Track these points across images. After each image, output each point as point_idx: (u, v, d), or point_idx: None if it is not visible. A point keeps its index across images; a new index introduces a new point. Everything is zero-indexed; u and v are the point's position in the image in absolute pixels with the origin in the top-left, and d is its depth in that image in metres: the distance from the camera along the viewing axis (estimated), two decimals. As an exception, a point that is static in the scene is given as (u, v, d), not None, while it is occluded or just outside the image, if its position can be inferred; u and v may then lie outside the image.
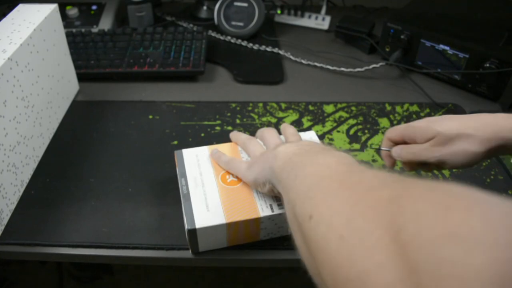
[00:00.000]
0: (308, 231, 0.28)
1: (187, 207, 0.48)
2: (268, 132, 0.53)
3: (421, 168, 0.50)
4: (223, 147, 0.55)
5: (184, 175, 0.51)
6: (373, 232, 0.23)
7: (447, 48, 0.76)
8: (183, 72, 0.78)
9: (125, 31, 0.86)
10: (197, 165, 0.53)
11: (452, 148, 0.45)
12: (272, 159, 0.42)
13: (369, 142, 0.66)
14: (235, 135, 0.56)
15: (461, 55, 0.74)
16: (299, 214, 0.30)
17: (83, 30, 0.86)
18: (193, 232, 0.46)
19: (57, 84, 0.66)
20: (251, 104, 0.73)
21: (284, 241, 0.50)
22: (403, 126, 0.50)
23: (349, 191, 0.28)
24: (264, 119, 0.69)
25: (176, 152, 0.55)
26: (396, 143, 0.50)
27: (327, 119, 0.70)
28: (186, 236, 0.47)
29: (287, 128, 0.54)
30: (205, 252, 0.49)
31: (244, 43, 0.90)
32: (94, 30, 0.88)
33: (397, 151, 0.49)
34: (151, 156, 0.62)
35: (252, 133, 0.66)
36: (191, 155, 0.54)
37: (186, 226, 0.46)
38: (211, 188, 0.49)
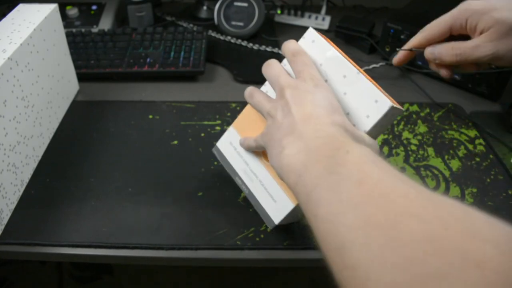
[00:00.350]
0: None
1: (258, 207, 0.48)
2: (270, 68, 0.45)
3: (463, 69, 0.42)
4: (244, 116, 0.51)
5: (235, 173, 0.51)
6: None
7: (447, 48, 0.76)
8: (183, 72, 0.78)
9: (125, 31, 0.86)
10: (238, 155, 0.50)
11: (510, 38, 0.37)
12: (278, 163, 0.36)
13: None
14: (246, 97, 0.48)
15: (461, 55, 0.74)
16: (339, 281, 0.26)
17: (83, 30, 0.86)
18: (275, 227, 0.47)
19: (57, 84, 0.66)
20: (251, 104, 0.73)
21: (284, 241, 0.50)
22: (448, 17, 0.41)
23: (401, 272, 0.22)
24: (264, 119, 0.69)
25: (214, 151, 0.54)
26: (431, 42, 0.42)
27: (327, 119, 0.70)
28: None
29: (287, 45, 0.45)
30: (204, 252, 0.49)
31: (244, 43, 0.90)
32: (94, 30, 0.88)
33: (435, 49, 0.41)
34: (151, 156, 0.62)
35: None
36: (227, 146, 0.52)
37: (268, 225, 0.48)
38: (263, 175, 0.48)
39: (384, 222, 0.24)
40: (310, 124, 0.36)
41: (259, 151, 0.48)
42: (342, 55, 0.44)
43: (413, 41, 0.43)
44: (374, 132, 0.41)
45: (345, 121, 0.38)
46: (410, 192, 0.26)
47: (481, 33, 0.39)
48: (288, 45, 0.45)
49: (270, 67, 0.45)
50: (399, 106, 0.41)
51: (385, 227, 0.24)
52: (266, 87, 0.49)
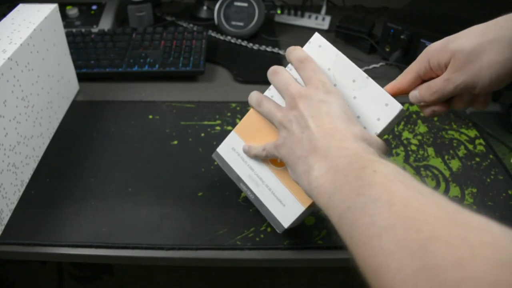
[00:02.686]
0: None
1: (265, 211, 0.48)
2: (276, 75, 0.45)
3: (452, 106, 0.43)
4: (248, 121, 0.49)
5: (239, 179, 0.50)
6: None
7: (447, 48, 0.76)
8: (183, 72, 0.78)
9: (125, 31, 0.86)
10: (242, 160, 0.49)
11: (476, 66, 0.38)
12: (307, 183, 0.37)
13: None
14: (251, 102, 0.48)
15: (461, 55, 0.74)
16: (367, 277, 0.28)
17: (83, 30, 0.86)
18: (285, 230, 0.47)
19: (57, 84, 0.66)
20: (251, 104, 0.73)
21: (284, 241, 0.50)
22: (414, 64, 0.42)
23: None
24: (264, 119, 0.69)
25: (214, 156, 0.53)
26: (405, 91, 0.44)
27: (327, 119, 0.70)
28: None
29: (293, 52, 0.44)
30: (204, 252, 0.49)
31: (244, 43, 0.90)
32: (94, 30, 0.88)
33: (415, 94, 0.43)
34: (151, 156, 0.62)
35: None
36: (229, 152, 0.51)
37: (277, 229, 0.47)
38: (270, 180, 0.47)
39: (414, 247, 0.25)
40: (332, 140, 0.37)
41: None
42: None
43: (388, 90, 0.44)
44: (382, 134, 0.42)
45: (363, 132, 0.39)
46: (438, 213, 0.27)
47: (445, 67, 0.41)
48: (294, 53, 0.45)
49: (278, 75, 0.45)
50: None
51: (416, 252, 0.25)
52: (271, 92, 0.48)
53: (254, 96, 0.47)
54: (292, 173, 0.41)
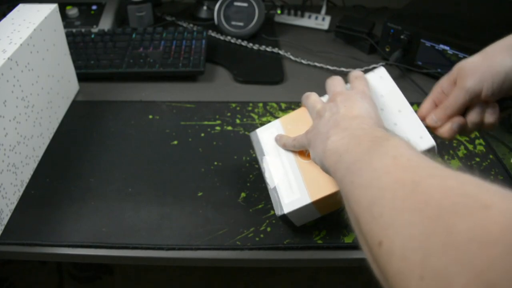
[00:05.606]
0: (380, 258, 0.26)
1: (273, 192, 0.49)
2: (332, 80, 0.51)
3: (467, 118, 0.47)
4: (295, 115, 0.54)
5: (264, 159, 0.52)
6: (456, 278, 0.20)
7: (447, 48, 0.76)
8: (183, 72, 0.78)
9: (125, 31, 0.86)
10: (274, 145, 0.53)
11: (480, 71, 0.43)
12: (322, 149, 0.40)
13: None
14: (303, 98, 0.53)
15: (461, 55, 0.74)
16: (365, 234, 0.29)
17: (83, 30, 0.86)
18: (283, 216, 0.47)
19: (57, 84, 0.66)
20: (251, 104, 0.73)
21: (284, 241, 0.50)
22: (429, 95, 0.48)
23: (417, 214, 0.25)
24: (264, 119, 0.69)
25: (251, 135, 0.56)
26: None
27: (327, 119, 0.70)
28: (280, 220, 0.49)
29: (353, 72, 0.51)
30: (204, 252, 0.49)
31: (244, 43, 0.90)
32: (94, 30, 0.88)
33: (432, 117, 0.47)
34: (151, 156, 0.62)
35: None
36: (266, 135, 0.54)
37: (276, 212, 0.48)
38: (291, 167, 0.49)
39: (409, 181, 0.28)
40: (355, 121, 0.41)
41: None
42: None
43: (423, 107, 0.49)
44: None
45: (385, 126, 0.42)
46: (437, 165, 0.29)
47: (455, 84, 0.46)
48: (354, 72, 0.51)
49: (332, 80, 0.51)
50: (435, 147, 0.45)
51: (409, 184, 0.27)
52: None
53: (307, 93, 0.52)
54: (312, 149, 0.44)
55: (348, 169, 0.35)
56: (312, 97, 0.50)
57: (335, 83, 0.50)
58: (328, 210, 0.49)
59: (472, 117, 0.47)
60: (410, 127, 0.46)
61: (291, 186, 0.48)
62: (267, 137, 0.54)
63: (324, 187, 0.46)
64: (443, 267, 0.21)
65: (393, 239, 0.25)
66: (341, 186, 0.35)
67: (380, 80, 0.51)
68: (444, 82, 0.48)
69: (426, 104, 0.49)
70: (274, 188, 0.49)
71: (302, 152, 0.50)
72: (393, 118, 0.47)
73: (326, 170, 0.41)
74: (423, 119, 0.48)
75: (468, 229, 0.22)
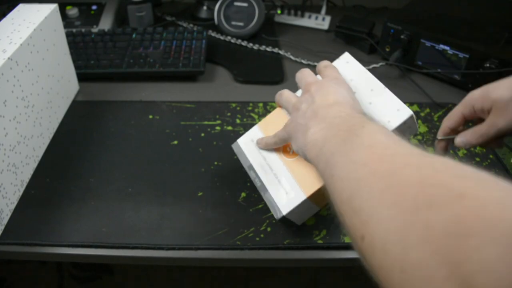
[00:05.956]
0: (364, 252, 0.27)
1: (267, 197, 0.49)
2: (301, 73, 0.51)
3: (489, 145, 0.49)
4: (271, 117, 0.55)
5: (250, 167, 0.52)
6: (436, 270, 0.21)
7: (447, 48, 0.76)
8: (183, 72, 0.78)
9: (125, 31, 0.86)
10: (257, 151, 0.53)
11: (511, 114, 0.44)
12: (303, 142, 0.41)
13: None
14: (276, 97, 0.53)
15: (461, 55, 0.74)
16: (349, 228, 0.29)
17: (83, 30, 0.86)
18: (283, 218, 0.48)
19: (57, 84, 0.66)
20: (251, 104, 0.73)
21: (284, 241, 0.50)
22: (459, 107, 0.49)
23: (395, 208, 0.25)
24: (264, 119, 0.69)
25: (233, 146, 0.56)
26: (454, 129, 0.50)
27: (327, 119, 0.70)
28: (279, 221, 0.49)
29: (321, 62, 0.52)
30: (204, 252, 0.49)
31: (244, 43, 0.90)
32: (94, 30, 0.88)
33: (463, 138, 0.49)
34: (151, 156, 0.62)
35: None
36: (248, 143, 0.54)
37: (275, 216, 0.48)
38: (279, 169, 0.50)
39: (386, 172, 0.28)
40: (332, 109, 0.41)
41: (279, 149, 0.51)
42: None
43: (441, 131, 0.52)
44: None
45: (363, 109, 0.43)
46: (413, 151, 0.30)
47: (488, 113, 0.47)
48: (322, 62, 0.51)
49: (301, 72, 0.51)
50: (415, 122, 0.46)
51: (386, 176, 0.28)
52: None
53: (279, 91, 0.52)
54: (294, 142, 0.45)
55: (327, 162, 0.35)
56: (285, 94, 0.51)
57: (305, 74, 0.50)
58: (325, 201, 0.49)
59: (495, 144, 0.50)
60: (386, 103, 0.47)
61: (283, 187, 0.48)
62: (249, 144, 0.54)
63: (315, 181, 0.46)
64: (423, 260, 0.22)
65: (373, 233, 0.26)
66: (323, 179, 0.36)
67: (347, 65, 0.52)
68: (477, 101, 0.48)
69: (456, 116, 0.50)
70: (268, 193, 0.49)
71: (286, 150, 0.51)
72: (367, 98, 0.48)
73: (309, 161, 0.41)
74: (449, 130, 0.50)
75: (444, 221, 0.22)
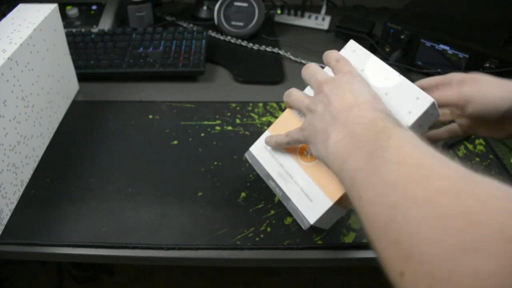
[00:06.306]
0: None
1: (291, 207, 0.47)
2: (308, 69, 0.46)
3: (459, 122, 0.49)
4: (282, 120, 0.51)
5: (268, 176, 0.50)
6: None
7: (447, 48, 0.76)
8: (183, 72, 0.78)
9: (125, 31, 0.86)
10: (273, 158, 0.50)
11: (477, 85, 0.44)
12: (324, 151, 0.38)
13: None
14: (284, 97, 0.49)
15: (461, 55, 0.74)
16: (384, 260, 0.26)
17: (83, 30, 0.86)
18: (311, 227, 0.45)
19: (57, 84, 0.66)
20: (251, 104, 0.73)
21: (284, 241, 0.50)
22: (440, 77, 0.49)
23: (438, 245, 0.22)
24: (264, 119, 0.69)
25: (246, 155, 0.53)
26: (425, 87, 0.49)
27: (327, 119, 0.70)
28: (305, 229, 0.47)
29: (330, 54, 0.47)
30: (204, 252, 0.49)
31: (244, 43, 0.90)
32: (94, 30, 0.88)
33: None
34: (151, 156, 0.62)
35: (253, 133, 0.66)
36: (261, 150, 0.51)
37: (302, 226, 0.46)
38: (299, 175, 0.47)
39: (422, 199, 0.25)
40: (352, 111, 0.38)
41: (296, 153, 0.48)
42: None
43: (427, 81, 0.50)
44: (415, 129, 0.42)
45: (385, 107, 0.39)
46: (449, 172, 0.27)
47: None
48: (331, 54, 0.47)
49: (309, 68, 0.47)
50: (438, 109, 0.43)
51: (422, 204, 0.25)
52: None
53: (287, 91, 0.49)
54: (313, 148, 0.41)
55: (353, 180, 0.33)
56: (294, 93, 0.47)
57: (314, 71, 0.46)
58: (350, 204, 0.45)
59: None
60: (403, 92, 0.43)
61: (307, 194, 0.46)
62: (263, 152, 0.51)
63: (340, 184, 0.43)
64: None
65: (416, 272, 0.23)
66: (351, 197, 0.33)
67: (354, 54, 0.48)
68: (455, 76, 0.47)
69: (430, 82, 0.49)
70: (291, 202, 0.47)
71: (303, 154, 0.48)
72: (382, 89, 0.44)
73: (331, 169, 0.39)
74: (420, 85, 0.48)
75: (495, 270, 0.20)
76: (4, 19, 0.60)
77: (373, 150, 0.32)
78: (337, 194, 0.44)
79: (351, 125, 0.37)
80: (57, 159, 0.61)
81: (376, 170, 0.30)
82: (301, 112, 0.45)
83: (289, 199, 0.47)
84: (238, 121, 0.69)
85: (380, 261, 0.27)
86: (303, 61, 0.84)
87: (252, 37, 0.92)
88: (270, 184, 0.50)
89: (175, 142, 0.64)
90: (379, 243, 0.27)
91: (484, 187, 0.25)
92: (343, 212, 0.47)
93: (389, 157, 0.30)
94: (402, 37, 0.80)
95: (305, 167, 0.47)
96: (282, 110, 0.72)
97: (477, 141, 0.65)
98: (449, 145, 0.62)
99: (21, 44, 0.54)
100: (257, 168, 0.52)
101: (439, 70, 0.78)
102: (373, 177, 0.30)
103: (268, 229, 0.51)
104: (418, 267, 0.23)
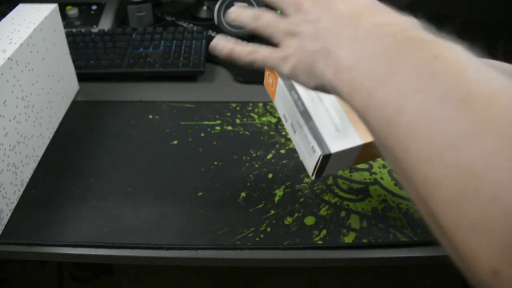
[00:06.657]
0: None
1: (311, 127, 0.38)
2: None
3: None
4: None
5: (292, 87, 0.41)
6: None
7: (447, 48, 0.76)
8: (183, 72, 0.78)
9: (125, 31, 0.86)
10: (311, 94, 0.42)
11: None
12: (331, 74, 0.27)
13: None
14: (248, 22, 0.38)
15: (461, 55, 0.74)
16: (458, 247, 0.19)
17: (83, 30, 0.86)
18: (326, 157, 0.37)
19: (57, 84, 0.66)
20: (251, 104, 0.73)
21: (284, 241, 0.50)
22: None
23: None
24: (264, 118, 0.69)
25: (280, 78, 0.45)
26: None
27: (327, 119, 0.70)
28: (308, 162, 0.38)
29: None
30: (204, 252, 0.49)
31: (244, 43, 0.90)
32: (94, 30, 0.88)
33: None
34: (151, 156, 0.62)
35: (253, 133, 0.66)
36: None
37: (317, 152, 0.37)
38: (331, 102, 0.39)
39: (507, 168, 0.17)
40: (360, 19, 0.27)
41: None
42: None
43: None
44: None
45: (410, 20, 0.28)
46: None
47: None
48: None
49: None
50: None
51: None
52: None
53: (245, 13, 0.37)
54: (310, 78, 0.30)
55: (391, 124, 0.22)
56: (266, 15, 0.36)
57: None
58: (363, 160, 0.40)
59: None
60: None
61: (334, 122, 0.38)
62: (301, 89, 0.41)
63: None
64: None
65: None
66: (385, 144, 0.23)
67: None
68: None
69: None
70: (312, 122, 0.38)
71: None
72: None
73: (347, 102, 0.27)
74: None
75: None
76: (4, 19, 0.60)
77: (415, 77, 0.22)
78: (370, 137, 0.36)
79: (367, 39, 0.26)
80: (57, 159, 0.61)
81: (427, 112, 0.21)
82: (274, 39, 0.35)
83: (310, 118, 0.38)
84: (238, 121, 0.69)
85: (447, 251, 0.20)
86: (303, 61, 0.84)
87: (252, 37, 0.92)
88: (292, 96, 0.40)
89: (175, 142, 0.64)
90: (445, 220, 0.19)
91: None
92: (348, 166, 0.41)
93: (443, 90, 0.21)
94: (402, 37, 0.80)
95: (340, 102, 0.40)
96: (282, 110, 0.71)
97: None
98: None
99: (21, 44, 0.54)
100: (283, 79, 0.42)
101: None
102: (425, 122, 0.20)
103: (268, 229, 0.51)
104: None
